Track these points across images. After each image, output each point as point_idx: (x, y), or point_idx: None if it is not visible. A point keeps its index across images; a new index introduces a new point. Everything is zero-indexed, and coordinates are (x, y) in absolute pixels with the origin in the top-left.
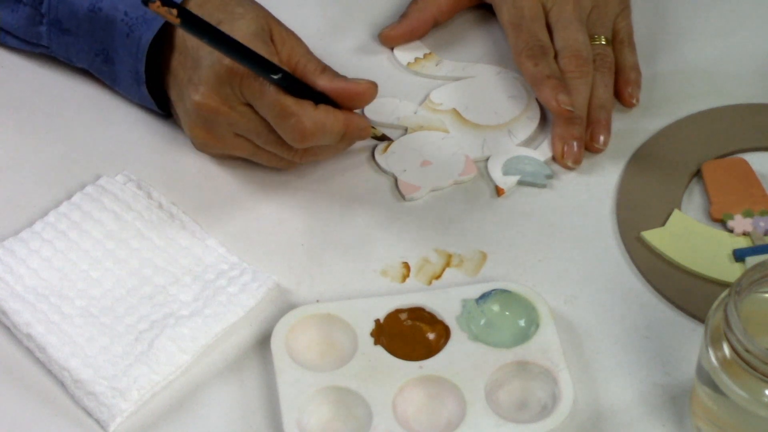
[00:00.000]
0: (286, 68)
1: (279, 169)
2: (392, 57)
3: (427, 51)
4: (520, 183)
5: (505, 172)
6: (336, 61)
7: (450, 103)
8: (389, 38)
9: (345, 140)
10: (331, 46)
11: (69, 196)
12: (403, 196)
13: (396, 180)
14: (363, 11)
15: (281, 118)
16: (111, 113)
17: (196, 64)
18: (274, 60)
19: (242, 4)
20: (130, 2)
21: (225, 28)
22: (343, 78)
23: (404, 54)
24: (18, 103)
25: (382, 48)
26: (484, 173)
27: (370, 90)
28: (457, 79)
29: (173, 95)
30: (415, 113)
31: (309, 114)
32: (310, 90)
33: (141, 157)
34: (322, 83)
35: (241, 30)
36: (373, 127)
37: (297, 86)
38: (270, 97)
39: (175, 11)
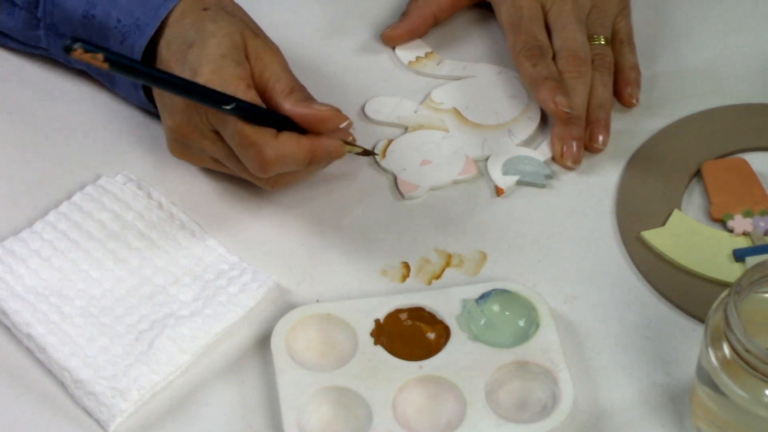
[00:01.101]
0: (255, 87)
1: None
2: (393, 56)
3: (429, 50)
4: (520, 183)
5: (505, 172)
6: (336, 61)
7: (450, 102)
8: (391, 38)
9: (313, 164)
10: (332, 46)
11: (69, 196)
12: (402, 195)
13: (396, 179)
14: (363, 11)
15: (242, 147)
16: (111, 113)
17: None
18: (244, 80)
19: (216, 19)
20: (122, 9)
21: (196, 51)
22: (308, 103)
23: (405, 53)
24: (18, 103)
25: (383, 47)
26: (484, 173)
27: (334, 117)
28: (458, 78)
29: (158, 106)
30: (416, 112)
31: (269, 144)
32: (273, 115)
33: (141, 157)
34: (287, 107)
35: (210, 52)
36: (351, 144)
37: (256, 113)
38: (231, 126)
39: (101, 56)
